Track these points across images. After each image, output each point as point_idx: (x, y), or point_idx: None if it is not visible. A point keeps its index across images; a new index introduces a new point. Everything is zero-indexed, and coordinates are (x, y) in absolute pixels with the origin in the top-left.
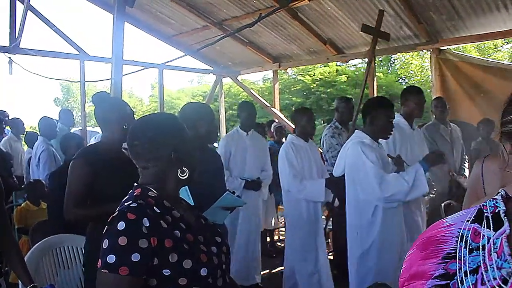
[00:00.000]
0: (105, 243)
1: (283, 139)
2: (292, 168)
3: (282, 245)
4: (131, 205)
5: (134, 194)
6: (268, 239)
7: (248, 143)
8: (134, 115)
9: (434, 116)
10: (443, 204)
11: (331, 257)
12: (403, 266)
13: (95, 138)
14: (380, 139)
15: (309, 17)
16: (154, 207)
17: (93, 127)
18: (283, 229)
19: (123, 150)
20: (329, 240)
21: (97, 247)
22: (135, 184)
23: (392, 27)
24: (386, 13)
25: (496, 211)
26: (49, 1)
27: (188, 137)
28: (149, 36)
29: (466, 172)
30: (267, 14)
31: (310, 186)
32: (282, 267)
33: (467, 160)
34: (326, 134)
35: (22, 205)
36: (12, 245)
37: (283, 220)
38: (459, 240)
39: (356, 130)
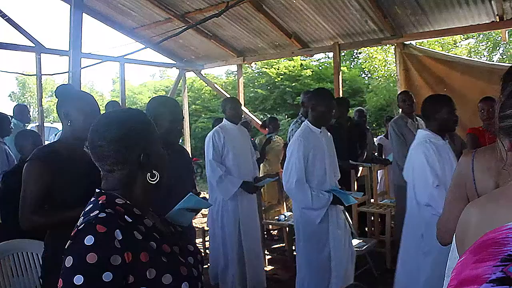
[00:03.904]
0: (69, 261)
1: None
2: (436, 176)
3: None
4: (99, 216)
5: (100, 202)
6: None
7: (324, 144)
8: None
9: (401, 110)
10: None
11: None
12: (451, 275)
13: (55, 135)
14: None
15: (274, 10)
16: (125, 216)
17: (51, 123)
18: None
19: (86, 150)
20: None
21: (57, 256)
22: (97, 190)
23: (358, 21)
24: (352, 7)
25: None
26: None
27: (157, 136)
28: (110, 29)
29: None
30: (233, 5)
31: None
32: None
33: None
34: (292, 129)
35: None
36: None
37: None
38: None
39: None
